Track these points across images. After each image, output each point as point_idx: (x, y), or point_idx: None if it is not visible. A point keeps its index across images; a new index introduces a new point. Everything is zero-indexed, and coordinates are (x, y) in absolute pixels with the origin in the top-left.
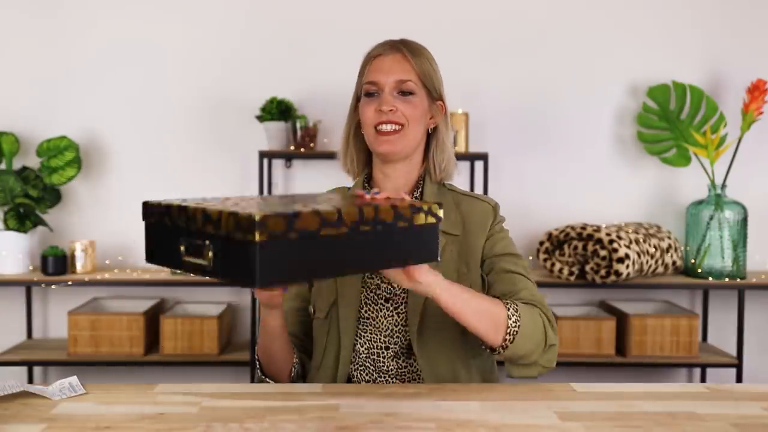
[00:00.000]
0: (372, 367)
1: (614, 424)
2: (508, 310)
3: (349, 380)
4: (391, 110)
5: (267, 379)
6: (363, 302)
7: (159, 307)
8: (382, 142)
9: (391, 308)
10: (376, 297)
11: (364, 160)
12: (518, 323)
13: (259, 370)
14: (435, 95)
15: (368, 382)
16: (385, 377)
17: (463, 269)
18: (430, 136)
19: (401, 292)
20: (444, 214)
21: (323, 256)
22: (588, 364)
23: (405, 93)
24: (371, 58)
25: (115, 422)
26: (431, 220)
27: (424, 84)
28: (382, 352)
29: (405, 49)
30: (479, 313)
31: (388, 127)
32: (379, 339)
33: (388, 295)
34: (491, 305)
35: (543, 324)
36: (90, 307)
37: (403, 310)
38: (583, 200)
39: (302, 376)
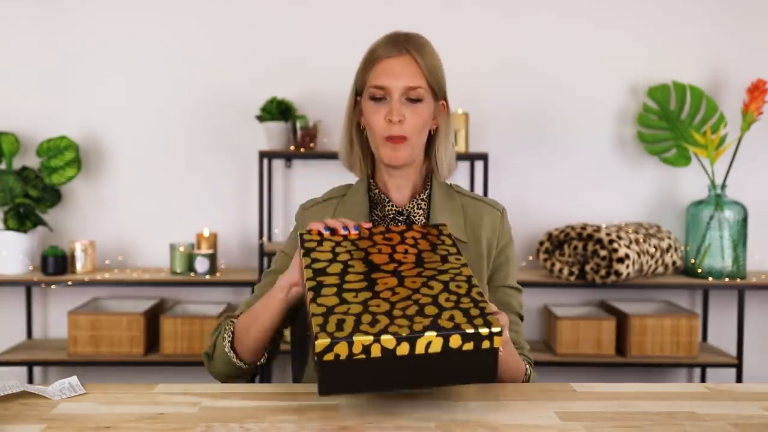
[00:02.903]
0: None
1: (614, 424)
2: (526, 374)
3: None
4: (400, 120)
5: (230, 354)
6: None
7: (159, 307)
8: (388, 153)
9: None
10: None
11: (370, 157)
12: (527, 380)
13: (228, 342)
14: (440, 95)
15: None
16: None
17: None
18: (432, 135)
19: None
20: (451, 218)
21: (379, 373)
22: (588, 364)
23: (413, 100)
24: (378, 58)
25: (115, 422)
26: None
27: (431, 87)
28: None
29: (413, 49)
30: (510, 372)
31: (395, 136)
32: None
33: None
34: (518, 368)
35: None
36: (90, 307)
37: None
38: (583, 200)
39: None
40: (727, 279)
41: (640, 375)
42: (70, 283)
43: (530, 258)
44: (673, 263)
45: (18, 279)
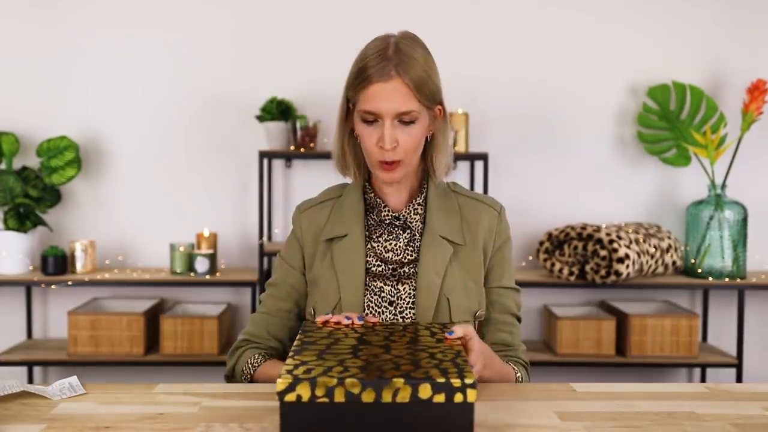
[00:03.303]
0: None
1: (614, 424)
2: (516, 379)
3: None
4: (393, 146)
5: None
6: (366, 305)
7: (159, 307)
8: (383, 175)
9: (395, 311)
10: (380, 300)
11: (364, 164)
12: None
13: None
14: (434, 104)
15: None
16: None
17: (469, 284)
18: (429, 140)
19: (406, 296)
20: (447, 221)
21: (344, 423)
22: (588, 364)
23: (406, 122)
24: (368, 80)
25: (115, 422)
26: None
27: (423, 104)
28: None
29: (402, 71)
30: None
31: (389, 160)
32: None
33: (392, 299)
34: (508, 376)
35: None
36: (90, 307)
37: (409, 315)
38: (583, 200)
39: None
40: (727, 279)
41: (640, 375)
42: (70, 283)
43: (530, 258)
44: (673, 263)
45: (18, 279)
